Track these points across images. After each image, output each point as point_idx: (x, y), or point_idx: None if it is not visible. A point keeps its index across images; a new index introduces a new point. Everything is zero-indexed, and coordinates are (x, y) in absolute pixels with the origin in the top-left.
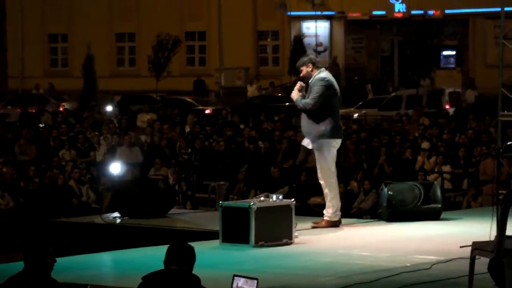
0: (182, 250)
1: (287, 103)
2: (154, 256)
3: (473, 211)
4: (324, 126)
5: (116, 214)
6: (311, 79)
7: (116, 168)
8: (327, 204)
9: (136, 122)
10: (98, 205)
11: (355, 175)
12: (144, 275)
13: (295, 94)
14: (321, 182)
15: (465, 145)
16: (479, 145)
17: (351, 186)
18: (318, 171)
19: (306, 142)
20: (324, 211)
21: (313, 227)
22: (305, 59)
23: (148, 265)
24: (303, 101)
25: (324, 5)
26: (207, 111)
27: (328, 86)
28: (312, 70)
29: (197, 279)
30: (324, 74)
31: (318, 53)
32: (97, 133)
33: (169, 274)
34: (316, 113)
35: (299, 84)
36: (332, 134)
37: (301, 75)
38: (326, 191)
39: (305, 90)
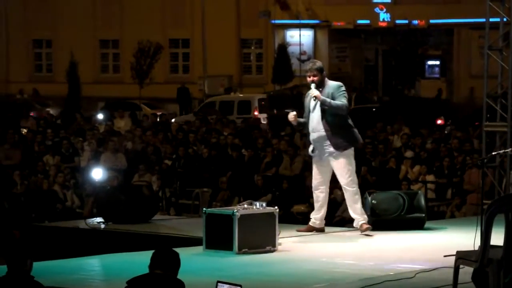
0: (167, 255)
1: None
2: (138, 261)
3: (457, 221)
4: (350, 134)
5: (100, 219)
6: (324, 87)
7: (98, 173)
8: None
9: (113, 128)
10: (82, 210)
11: (338, 184)
12: (128, 279)
13: (318, 92)
14: (344, 187)
15: (449, 155)
16: (462, 154)
17: (335, 195)
18: (341, 178)
19: (312, 150)
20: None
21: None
22: (319, 65)
23: (132, 270)
24: (335, 102)
25: (308, 13)
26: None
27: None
28: (324, 79)
29: (181, 283)
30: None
31: (302, 61)
32: (81, 139)
33: (153, 278)
34: (341, 121)
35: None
36: (355, 142)
37: (315, 79)
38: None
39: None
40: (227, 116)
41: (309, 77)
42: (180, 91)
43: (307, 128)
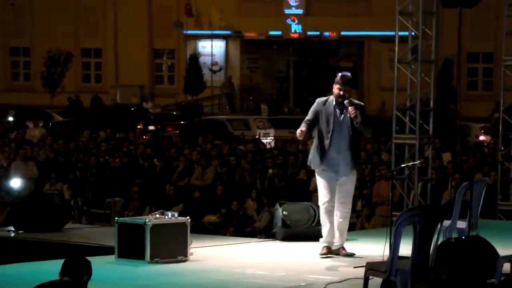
0: (78, 263)
1: (181, 122)
2: (49, 270)
3: (367, 232)
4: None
5: (11, 228)
6: (347, 99)
7: (15, 183)
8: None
9: (26, 136)
10: None
11: (251, 195)
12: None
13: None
14: (346, 207)
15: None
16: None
17: (247, 205)
18: (346, 198)
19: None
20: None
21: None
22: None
23: (43, 279)
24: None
25: (221, 23)
26: None
27: None
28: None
29: None
30: None
31: (213, 72)
32: None
33: (61, 286)
34: (360, 141)
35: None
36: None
37: (346, 94)
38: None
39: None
40: None
41: (339, 90)
42: (94, 101)
43: (326, 142)
